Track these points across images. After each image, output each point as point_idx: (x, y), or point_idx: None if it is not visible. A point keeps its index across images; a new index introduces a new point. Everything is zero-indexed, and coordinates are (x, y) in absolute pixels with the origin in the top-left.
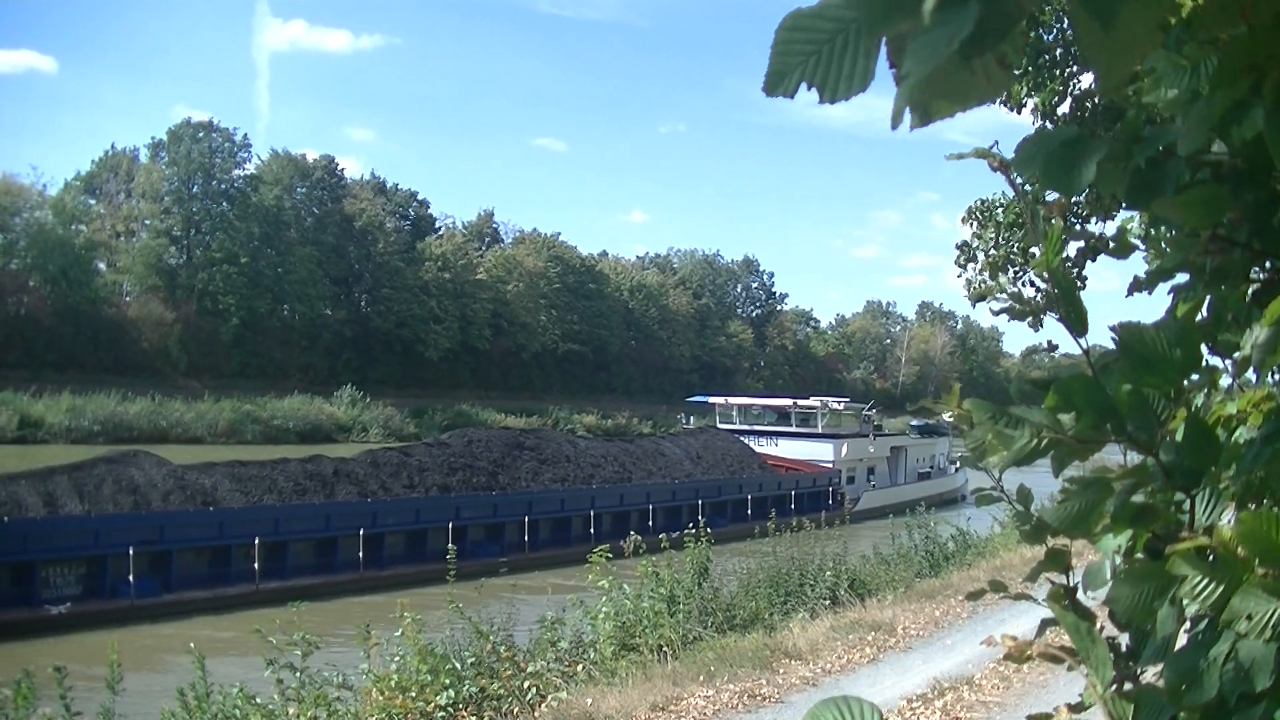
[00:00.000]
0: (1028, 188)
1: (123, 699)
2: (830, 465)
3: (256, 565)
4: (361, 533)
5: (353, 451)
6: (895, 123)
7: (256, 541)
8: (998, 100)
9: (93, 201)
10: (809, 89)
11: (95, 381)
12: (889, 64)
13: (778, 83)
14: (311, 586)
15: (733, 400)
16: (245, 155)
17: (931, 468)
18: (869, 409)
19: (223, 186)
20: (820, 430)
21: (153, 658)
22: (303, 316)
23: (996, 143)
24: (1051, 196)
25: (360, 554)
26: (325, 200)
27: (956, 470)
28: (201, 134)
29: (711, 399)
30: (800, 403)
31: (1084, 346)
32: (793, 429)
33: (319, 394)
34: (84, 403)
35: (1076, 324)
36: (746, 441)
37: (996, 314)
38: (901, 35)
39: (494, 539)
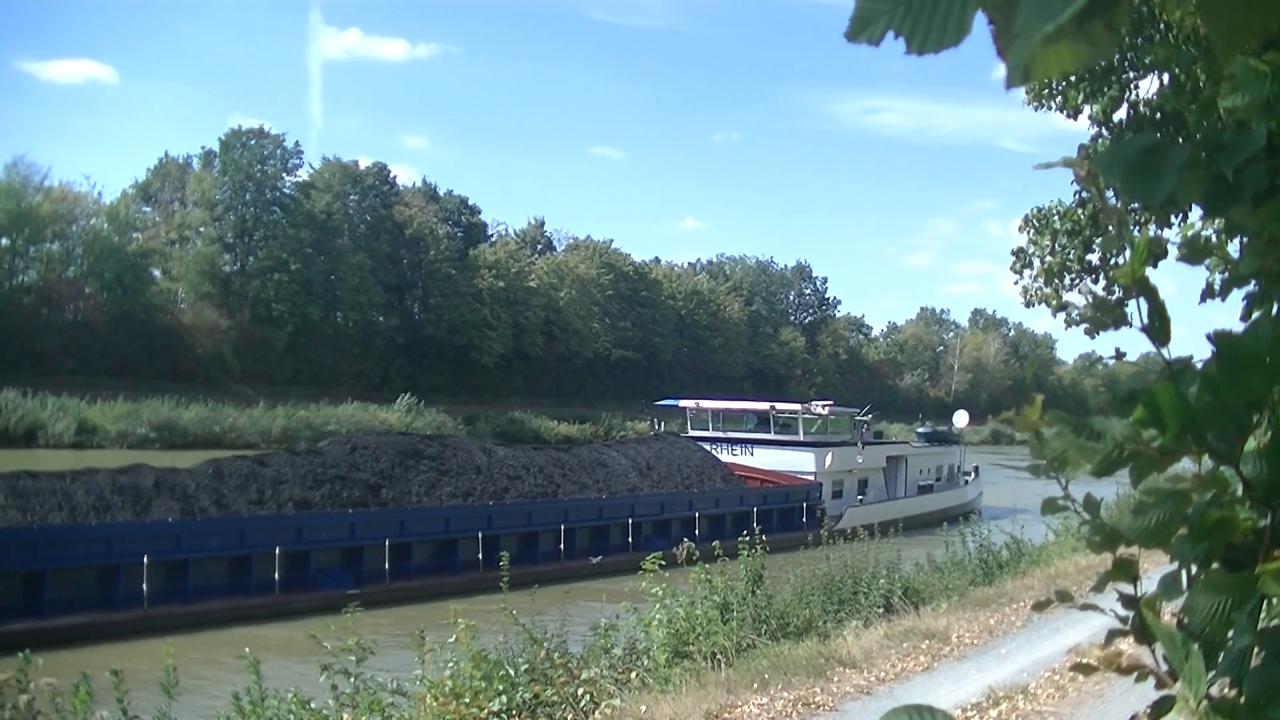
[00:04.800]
0: (1112, 199)
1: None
2: (811, 477)
3: None
4: (146, 560)
5: None
6: (1010, 83)
7: None
8: (1053, 107)
9: (148, 209)
10: (895, 38)
11: (150, 388)
12: (988, 20)
13: (861, 29)
14: (81, 626)
15: (705, 404)
16: (297, 162)
17: (937, 479)
18: (863, 413)
19: (275, 194)
20: (802, 438)
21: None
22: (355, 323)
23: (1085, 150)
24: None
25: (144, 586)
26: (377, 207)
27: (968, 483)
28: (253, 141)
29: (681, 402)
30: (780, 406)
31: (1166, 357)
32: (772, 436)
33: (372, 401)
34: (139, 409)
35: (1159, 334)
36: (715, 450)
37: (1079, 325)
38: None
39: (350, 566)
